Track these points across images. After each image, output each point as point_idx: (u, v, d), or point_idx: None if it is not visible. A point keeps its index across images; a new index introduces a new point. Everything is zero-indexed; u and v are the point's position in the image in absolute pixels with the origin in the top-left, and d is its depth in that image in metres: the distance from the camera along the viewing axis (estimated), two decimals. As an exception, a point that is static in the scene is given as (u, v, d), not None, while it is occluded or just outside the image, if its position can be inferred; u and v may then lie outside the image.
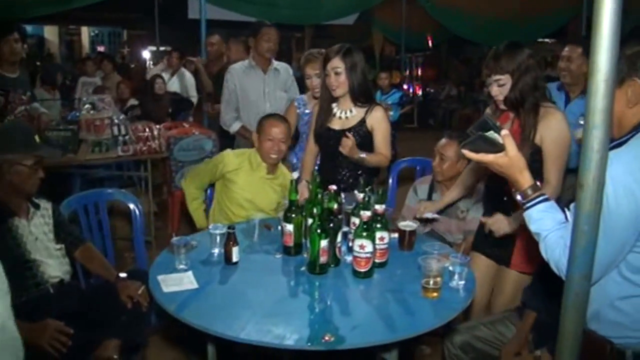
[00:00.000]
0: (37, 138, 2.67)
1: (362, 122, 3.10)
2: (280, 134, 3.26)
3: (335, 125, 3.15)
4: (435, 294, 2.14)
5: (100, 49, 19.04)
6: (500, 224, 2.57)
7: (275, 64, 4.47)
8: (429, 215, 2.98)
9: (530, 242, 2.59)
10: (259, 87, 4.36)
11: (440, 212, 3.32)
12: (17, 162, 2.51)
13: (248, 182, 3.28)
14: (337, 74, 3.03)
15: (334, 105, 3.16)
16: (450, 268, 2.24)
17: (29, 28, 18.46)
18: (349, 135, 2.99)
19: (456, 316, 2.11)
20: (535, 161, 2.51)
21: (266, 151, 3.26)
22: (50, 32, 19.17)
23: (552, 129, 2.49)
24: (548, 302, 2.26)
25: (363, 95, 3.10)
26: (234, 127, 4.40)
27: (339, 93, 3.09)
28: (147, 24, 11.76)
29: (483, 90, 11.01)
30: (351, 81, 3.04)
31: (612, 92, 1.27)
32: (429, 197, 3.43)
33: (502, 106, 2.60)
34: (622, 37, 1.25)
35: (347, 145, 2.96)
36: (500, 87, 2.54)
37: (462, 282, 2.22)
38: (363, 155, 3.03)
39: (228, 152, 3.41)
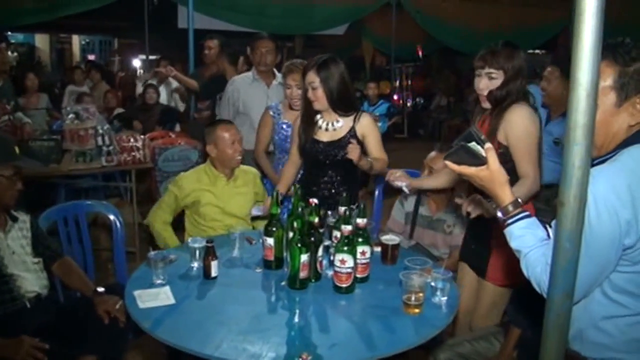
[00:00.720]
0: (16, 149, 2.60)
1: (352, 130, 3.04)
2: (236, 135, 3.29)
3: (323, 137, 3.08)
4: (417, 310, 2.09)
5: (91, 57, 18.96)
6: (475, 207, 2.48)
7: (279, 77, 4.35)
8: (401, 184, 2.84)
9: (506, 255, 2.57)
10: (262, 101, 4.23)
11: (427, 226, 3.30)
12: None
13: (213, 195, 3.24)
14: (313, 88, 2.98)
15: (318, 117, 3.10)
16: (433, 284, 2.19)
17: (19, 36, 18.45)
18: (353, 141, 2.94)
19: (441, 330, 2.06)
20: (505, 161, 2.46)
21: (230, 156, 3.25)
22: (41, 41, 19.09)
23: (513, 124, 2.46)
24: (532, 319, 2.22)
25: (344, 104, 3.03)
26: None
27: (318, 107, 3.03)
28: (137, 33, 11.71)
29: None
30: (329, 93, 2.97)
31: (594, 107, 1.23)
32: (416, 210, 3.39)
33: (485, 104, 2.57)
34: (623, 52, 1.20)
35: (355, 152, 2.88)
36: (490, 80, 2.51)
37: (445, 298, 2.18)
38: (370, 159, 2.98)
39: (182, 175, 3.36)
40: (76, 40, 20.23)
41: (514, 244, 1.65)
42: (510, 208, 1.66)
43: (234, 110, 4.33)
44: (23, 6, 7.30)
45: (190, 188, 3.23)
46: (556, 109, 3.85)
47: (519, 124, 2.45)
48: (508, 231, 1.66)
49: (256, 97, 4.28)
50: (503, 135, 2.49)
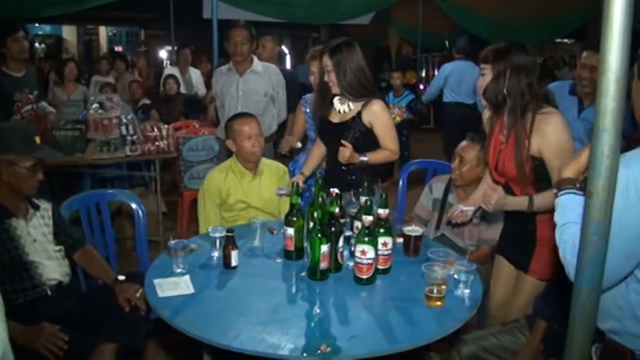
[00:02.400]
0: (37, 139, 2.60)
1: (358, 116, 3.02)
2: (255, 129, 3.22)
3: (335, 118, 3.12)
4: (439, 303, 2.05)
5: (118, 48, 19.12)
6: (495, 199, 2.42)
7: (258, 65, 4.38)
8: (466, 208, 2.71)
9: (550, 250, 2.53)
10: (233, 90, 4.29)
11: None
12: (15, 163, 2.48)
13: (240, 191, 3.23)
14: (328, 72, 2.99)
15: (336, 99, 3.10)
16: (455, 276, 2.15)
17: (47, 28, 18.66)
18: (345, 142, 2.93)
19: (464, 323, 2.01)
20: (539, 174, 2.42)
21: (248, 151, 3.20)
22: (69, 32, 19.28)
23: (547, 137, 2.35)
24: (560, 311, 2.16)
25: (353, 89, 2.99)
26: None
27: (334, 90, 3.04)
28: (163, 24, 11.76)
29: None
30: (340, 77, 2.97)
31: (624, 92, 1.17)
32: (444, 197, 3.33)
33: (483, 102, 2.53)
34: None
35: (345, 154, 2.91)
36: (482, 77, 2.48)
37: (468, 291, 2.13)
38: (364, 158, 2.96)
39: (208, 176, 3.32)
40: (103, 32, 20.38)
41: (557, 215, 1.61)
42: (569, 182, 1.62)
43: (219, 102, 4.40)
44: (51, -3, 7.37)
45: (218, 187, 3.22)
46: (594, 97, 3.74)
47: (554, 136, 2.34)
48: (558, 201, 1.63)
49: (228, 86, 4.33)
50: (536, 148, 2.39)
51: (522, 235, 2.64)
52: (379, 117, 3.03)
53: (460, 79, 6.48)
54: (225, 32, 4.32)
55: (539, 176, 2.43)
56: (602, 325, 1.62)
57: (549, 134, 2.35)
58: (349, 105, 3.05)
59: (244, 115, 3.38)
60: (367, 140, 3.03)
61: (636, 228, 1.38)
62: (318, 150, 3.31)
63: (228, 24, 5.50)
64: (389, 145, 3.06)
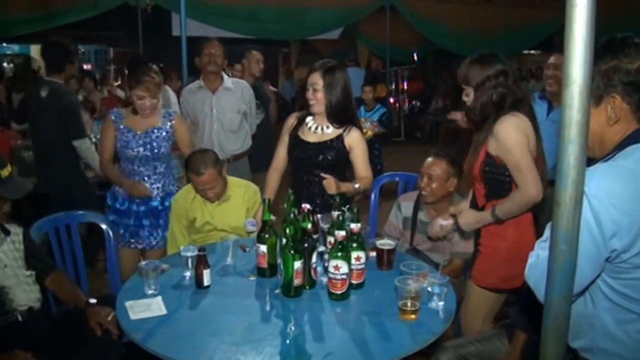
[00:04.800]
0: (5, 171, 2.48)
1: (340, 137, 3.01)
2: (206, 184, 3.02)
3: (310, 138, 3.05)
4: (413, 316, 2.05)
5: (87, 67, 18.92)
6: (466, 218, 2.62)
7: (229, 82, 4.28)
8: (445, 222, 2.78)
9: (489, 257, 2.59)
10: (207, 108, 4.18)
11: (426, 232, 3.24)
12: None
13: (207, 214, 3.17)
14: (315, 90, 2.95)
15: (308, 118, 3.08)
16: (429, 289, 2.15)
17: (15, 47, 18.41)
18: (325, 175, 2.91)
19: (439, 336, 2.02)
20: (489, 172, 2.51)
21: (202, 196, 3.12)
22: (37, 51, 19.04)
23: (497, 138, 2.44)
24: (537, 322, 2.17)
25: (339, 116, 3.00)
26: None
27: (315, 109, 3.00)
28: (132, 42, 11.70)
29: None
30: (328, 100, 2.95)
31: (588, 103, 1.19)
32: (414, 215, 3.33)
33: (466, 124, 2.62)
34: (595, 52, 1.17)
35: (331, 186, 2.86)
36: (466, 96, 2.54)
37: (442, 304, 2.14)
38: (356, 185, 2.97)
39: (175, 198, 3.30)
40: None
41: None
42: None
43: (189, 121, 4.23)
44: (17, 16, 7.28)
45: (185, 208, 3.18)
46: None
47: (504, 137, 2.42)
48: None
49: (200, 104, 4.20)
50: (492, 147, 2.47)
51: (474, 244, 2.74)
52: (360, 143, 3.04)
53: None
54: (199, 48, 4.22)
55: (490, 175, 2.52)
56: (574, 343, 1.64)
57: (498, 131, 2.43)
58: (327, 127, 3.03)
59: (198, 164, 3.01)
60: (339, 160, 3.02)
61: (588, 244, 1.41)
62: (276, 175, 3.21)
63: (197, 41, 5.49)
64: (365, 172, 3.06)
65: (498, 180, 2.50)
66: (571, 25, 1.16)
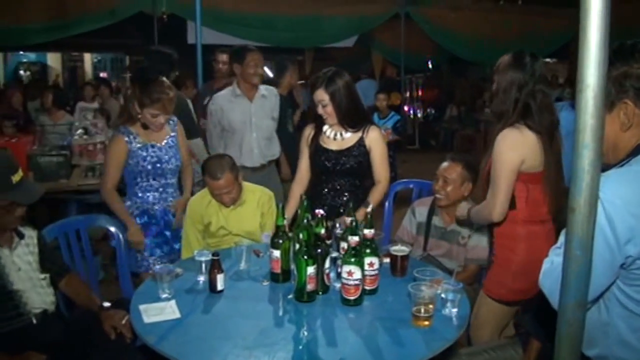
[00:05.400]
0: (16, 176, 2.48)
1: (361, 141, 3.07)
2: (220, 189, 3.04)
3: (332, 145, 3.11)
4: (426, 323, 2.04)
5: (103, 75, 19.14)
6: (459, 208, 2.79)
7: (262, 89, 4.26)
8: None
9: (500, 269, 2.60)
10: (245, 117, 4.14)
11: (440, 237, 3.24)
12: None
13: (222, 219, 3.18)
14: (323, 106, 3.00)
15: (325, 126, 3.12)
16: (443, 295, 2.14)
17: (32, 56, 18.67)
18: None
19: (453, 343, 2.01)
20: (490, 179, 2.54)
21: (218, 200, 3.14)
22: (54, 59, 19.29)
23: (495, 148, 2.46)
24: (551, 329, 2.16)
25: (352, 120, 3.05)
26: None
27: (330, 122, 3.07)
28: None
29: (484, 111, 11.00)
30: (339, 109, 3.00)
31: (602, 108, 1.19)
32: (429, 220, 3.32)
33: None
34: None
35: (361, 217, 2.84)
36: (493, 84, 2.55)
37: (455, 310, 2.12)
38: (369, 208, 2.96)
39: (191, 201, 3.29)
40: (88, 58, 20.40)
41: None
42: None
43: (220, 129, 4.21)
44: (34, 25, 7.38)
45: (200, 213, 3.19)
46: None
47: (497, 151, 2.44)
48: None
49: (239, 113, 4.15)
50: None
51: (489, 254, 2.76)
52: (379, 142, 3.09)
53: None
54: (239, 56, 4.15)
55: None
56: (588, 352, 1.62)
57: (495, 146, 2.45)
58: (346, 132, 3.08)
59: (215, 169, 3.03)
60: (362, 164, 3.08)
61: (602, 250, 1.40)
62: (300, 189, 3.21)
63: (212, 49, 5.53)
64: (382, 172, 3.10)
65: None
66: (585, 29, 1.16)
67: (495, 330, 2.70)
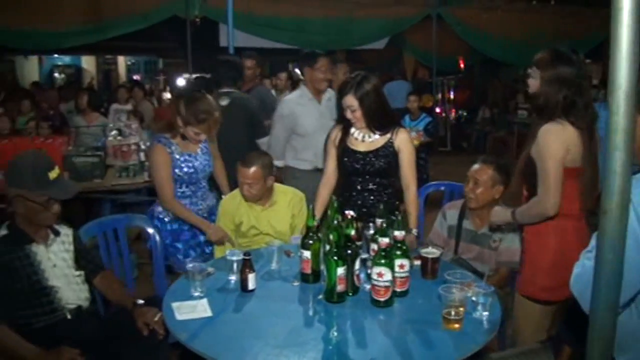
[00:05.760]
0: (53, 173, 2.56)
1: (390, 142, 3.08)
2: (249, 179, 3.10)
3: (360, 147, 3.12)
4: (456, 326, 2.04)
5: (137, 77, 19.42)
6: (494, 213, 2.71)
7: (328, 91, 4.30)
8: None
9: (533, 268, 2.56)
10: (316, 119, 4.11)
11: (471, 240, 3.22)
12: (27, 198, 2.49)
13: (253, 219, 3.23)
14: (352, 111, 3.02)
15: (352, 128, 3.13)
16: (474, 298, 2.14)
17: (66, 59, 19.04)
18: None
19: (483, 346, 2.00)
20: (531, 175, 2.50)
21: (242, 192, 3.19)
22: (88, 62, 19.65)
23: (537, 142, 2.43)
24: (583, 334, 2.13)
25: (380, 124, 3.07)
26: (281, 163, 4.23)
27: (358, 125, 3.09)
28: (181, 53, 11.97)
29: (517, 113, 10.87)
30: (367, 114, 3.02)
31: (634, 110, 1.18)
32: (459, 223, 3.30)
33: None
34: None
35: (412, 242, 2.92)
36: (532, 79, 2.52)
37: (486, 314, 2.12)
38: (414, 231, 3.05)
39: (222, 201, 3.35)
40: (122, 61, 20.73)
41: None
42: None
43: (289, 132, 4.20)
44: (69, 29, 7.55)
45: (231, 213, 3.24)
46: None
47: (542, 143, 2.41)
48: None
49: (309, 115, 4.15)
50: (533, 150, 2.47)
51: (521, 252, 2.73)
52: (407, 144, 3.11)
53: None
54: (310, 60, 4.17)
55: (531, 178, 2.51)
56: (620, 357, 1.60)
57: (539, 139, 2.43)
58: (374, 133, 3.10)
59: (250, 157, 3.17)
60: (390, 165, 3.09)
61: (634, 253, 1.38)
62: (326, 191, 3.24)
63: (244, 50, 5.59)
64: (410, 175, 3.11)
65: (538, 184, 2.47)
66: (616, 30, 1.15)
67: (535, 331, 2.63)
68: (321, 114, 4.15)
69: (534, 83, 2.51)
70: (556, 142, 2.39)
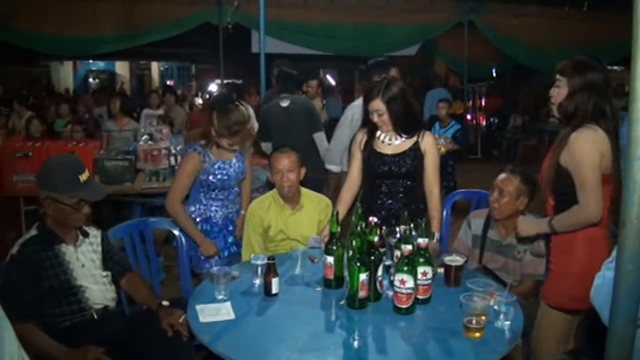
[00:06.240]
0: (84, 175, 2.63)
1: (416, 145, 3.10)
2: (287, 164, 3.18)
3: (387, 150, 3.13)
4: (477, 334, 2.03)
5: (170, 82, 19.71)
6: (524, 224, 2.63)
7: None
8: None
9: (560, 276, 2.54)
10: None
11: (496, 251, 3.19)
12: (58, 200, 2.55)
13: (281, 223, 3.26)
14: (379, 115, 3.03)
15: (378, 132, 3.14)
16: (496, 307, 2.12)
17: (100, 64, 19.43)
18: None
19: (503, 356, 1.98)
20: (559, 184, 2.47)
21: (278, 184, 3.23)
22: (122, 68, 20.02)
23: (570, 149, 2.40)
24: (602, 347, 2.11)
25: (407, 126, 3.07)
26: (338, 168, 4.35)
27: (385, 129, 3.10)
28: (213, 59, 12.13)
29: (549, 121, 10.72)
30: (395, 118, 3.03)
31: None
32: (484, 233, 3.27)
33: (555, 112, 2.54)
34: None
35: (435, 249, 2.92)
36: (557, 88, 2.50)
37: (508, 323, 2.10)
38: (436, 236, 3.03)
39: (252, 205, 3.36)
40: (155, 67, 21.06)
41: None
42: None
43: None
44: (103, 35, 7.71)
45: (260, 216, 3.27)
46: None
47: (577, 150, 2.38)
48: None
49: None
50: (563, 159, 2.44)
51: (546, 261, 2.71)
52: (433, 148, 3.13)
53: None
54: (381, 69, 4.16)
55: (559, 187, 2.48)
56: None
57: (571, 145, 2.39)
58: (401, 136, 3.11)
59: (283, 149, 3.28)
60: (417, 168, 3.10)
61: None
62: (349, 194, 3.26)
63: (275, 57, 5.67)
64: (433, 179, 3.12)
65: (567, 192, 2.43)
66: (637, 39, 1.15)
67: (559, 342, 2.60)
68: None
69: (560, 92, 2.49)
70: (591, 147, 2.36)
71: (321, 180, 4.85)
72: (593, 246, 2.45)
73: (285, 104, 4.92)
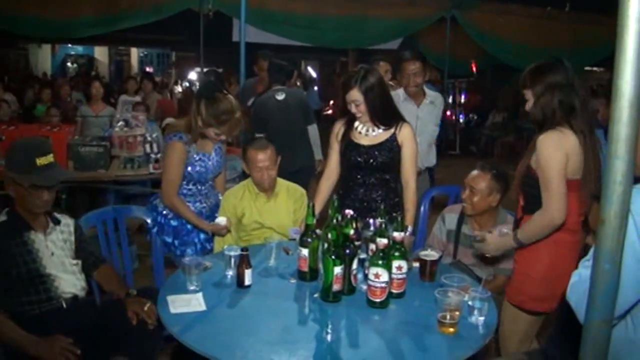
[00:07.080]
0: (44, 159, 2.54)
1: (393, 137, 3.07)
2: (267, 162, 3.15)
3: (363, 141, 3.10)
4: (451, 330, 2.01)
5: (149, 69, 19.51)
6: (488, 246, 2.62)
7: (432, 95, 4.34)
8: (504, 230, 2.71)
9: (522, 276, 2.56)
10: (411, 121, 3.85)
11: (470, 245, 3.19)
12: (15, 181, 2.51)
13: (255, 211, 3.23)
14: (357, 105, 3.00)
15: (356, 122, 3.11)
16: (470, 303, 2.11)
17: (79, 48, 19.17)
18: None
19: (477, 351, 1.97)
20: (528, 185, 2.49)
21: (257, 181, 3.20)
22: (101, 53, 19.76)
23: (538, 151, 2.41)
24: (569, 351, 2.10)
25: (384, 118, 3.05)
26: None
27: (363, 119, 3.07)
28: (193, 46, 12.01)
29: (527, 118, 10.79)
30: (372, 107, 2.99)
31: (637, 118, 1.15)
32: (458, 228, 3.27)
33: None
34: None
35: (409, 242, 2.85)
36: (527, 101, 2.51)
37: (482, 319, 2.09)
38: (409, 230, 2.93)
39: (226, 194, 3.33)
40: (134, 53, 20.83)
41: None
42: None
43: None
44: (83, 19, 7.57)
45: (234, 205, 3.23)
46: None
47: (542, 152, 2.39)
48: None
49: (406, 116, 4.01)
50: (533, 159, 2.46)
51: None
52: (411, 140, 3.09)
53: None
54: (398, 64, 4.29)
55: (527, 188, 2.50)
56: None
57: (538, 147, 2.41)
58: (378, 127, 3.08)
59: (259, 143, 3.24)
60: (393, 160, 3.07)
61: (632, 264, 1.35)
62: (327, 184, 3.25)
63: (257, 46, 5.62)
64: (410, 171, 3.09)
65: (535, 194, 2.44)
66: (622, 37, 1.13)
67: (521, 341, 2.64)
68: (417, 116, 4.21)
69: (529, 104, 2.50)
70: (555, 150, 2.37)
71: (314, 168, 5.10)
72: (558, 251, 2.46)
73: (281, 96, 4.98)
